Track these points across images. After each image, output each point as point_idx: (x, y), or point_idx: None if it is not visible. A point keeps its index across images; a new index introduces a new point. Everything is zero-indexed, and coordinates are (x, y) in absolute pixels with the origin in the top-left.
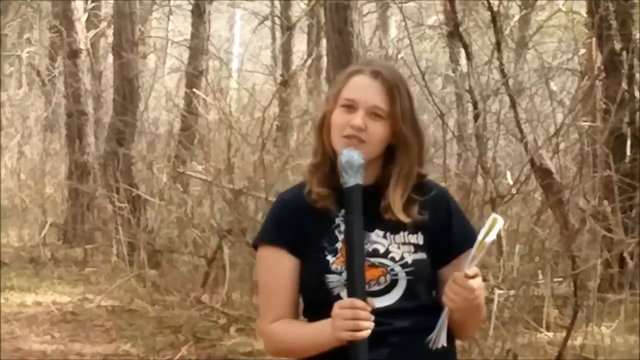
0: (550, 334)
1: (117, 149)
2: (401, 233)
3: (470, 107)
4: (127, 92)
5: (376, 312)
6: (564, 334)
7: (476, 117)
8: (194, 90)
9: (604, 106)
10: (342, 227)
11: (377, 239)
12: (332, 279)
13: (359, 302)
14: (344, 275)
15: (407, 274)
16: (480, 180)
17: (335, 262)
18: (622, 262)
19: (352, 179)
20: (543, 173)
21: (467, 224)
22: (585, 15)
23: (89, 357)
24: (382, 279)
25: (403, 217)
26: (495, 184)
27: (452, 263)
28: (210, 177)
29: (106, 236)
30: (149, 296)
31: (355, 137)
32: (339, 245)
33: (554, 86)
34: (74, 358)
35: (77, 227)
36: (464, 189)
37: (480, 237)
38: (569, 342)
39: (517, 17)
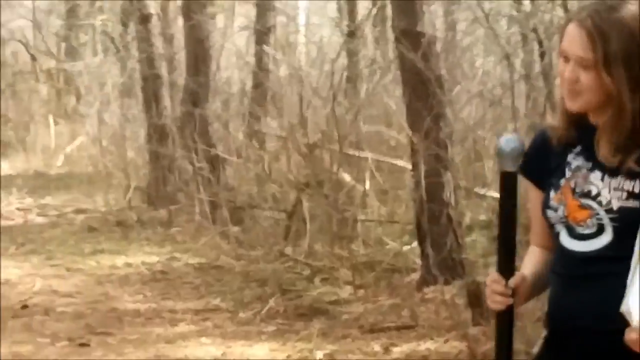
0: None
1: (192, 110)
2: (618, 177)
3: (536, 46)
4: (199, 53)
5: (585, 258)
6: None
7: (542, 55)
8: (264, 46)
9: None
10: (573, 165)
11: (595, 181)
12: (550, 214)
13: (495, 277)
14: (560, 211)
15: (612, 220)
16: (549, 119)
17: (554, 198)
18: None
19: (510, 166)
20: None
21: None
22: None
23: (181, 313)
24: (589, 222)
25: (615, 159)
26: None
27: None
28: (284, 133)
29: (188, 196)
30: (233, 252)
31: (569, 91)
32: (563, 182)
33: None
34: (166, 315)
35: (159, 189)
36: (534, 128)
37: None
38: None
39: None
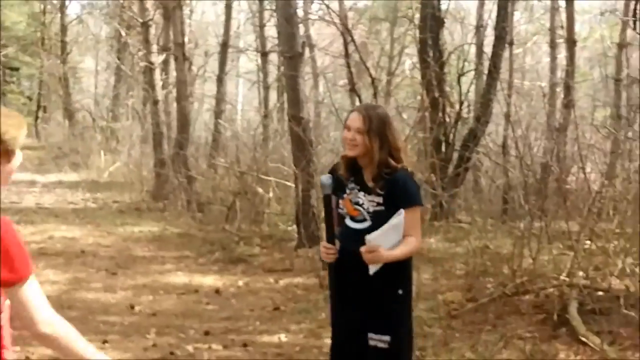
0: None
1: (179, 151)
2: (372, 195)
3: None
4: (184, 122)
5: (358, 230)
6: None
7: None
8: (219, 120)
9: None
10: (350, 187)
11: (360, 196)
12: (340, 211)
13: (326, 244)
14: (344, 210)
15: (369, 214)
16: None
17: (341, 203)
18: None
19: (326, 191)
20: None
21: (404, 195)
22: None
23: (167, 258)
24: (359, 215)
25: (371, 185)
26: None
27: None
28: (228, 165)
29: (175, 196)
30: (197, 226)
31: (350, 146)
32: (345, 196)
33: None
34: (160, 259)
35: (159, 192)
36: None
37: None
38: None
39: None
